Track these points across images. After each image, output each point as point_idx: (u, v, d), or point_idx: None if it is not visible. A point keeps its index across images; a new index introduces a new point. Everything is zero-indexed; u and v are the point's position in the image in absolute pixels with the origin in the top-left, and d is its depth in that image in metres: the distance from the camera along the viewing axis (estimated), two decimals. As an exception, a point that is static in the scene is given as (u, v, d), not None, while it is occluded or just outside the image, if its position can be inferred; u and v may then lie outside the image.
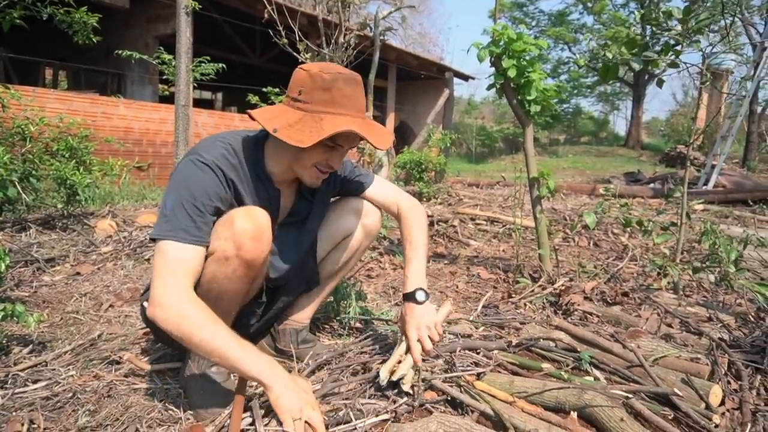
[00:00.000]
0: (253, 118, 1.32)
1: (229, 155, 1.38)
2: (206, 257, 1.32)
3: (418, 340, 1.44)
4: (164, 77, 4.94)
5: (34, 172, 3.66)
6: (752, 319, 2.20)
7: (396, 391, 1.43)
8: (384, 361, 1.49)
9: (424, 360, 1.47)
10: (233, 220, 1.29)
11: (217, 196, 1.32)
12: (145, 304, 1.37)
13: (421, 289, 1.52)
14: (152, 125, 8.30)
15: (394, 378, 1.39)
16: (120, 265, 2.97)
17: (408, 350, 1.46)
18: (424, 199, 6.47)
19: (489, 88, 2.87)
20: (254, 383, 1.58)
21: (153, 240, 1.27)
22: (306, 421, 1.18)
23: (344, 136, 1.35)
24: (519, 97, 2.80)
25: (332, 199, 1.77)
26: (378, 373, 1.41)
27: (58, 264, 2.93)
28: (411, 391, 1.40)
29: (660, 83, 2.65)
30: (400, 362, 1.44)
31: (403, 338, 1.50)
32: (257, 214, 1.32)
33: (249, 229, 1.28)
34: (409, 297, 1.51)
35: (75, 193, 3.87)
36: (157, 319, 1.20)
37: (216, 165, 1.33)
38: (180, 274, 1.22)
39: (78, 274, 2.79)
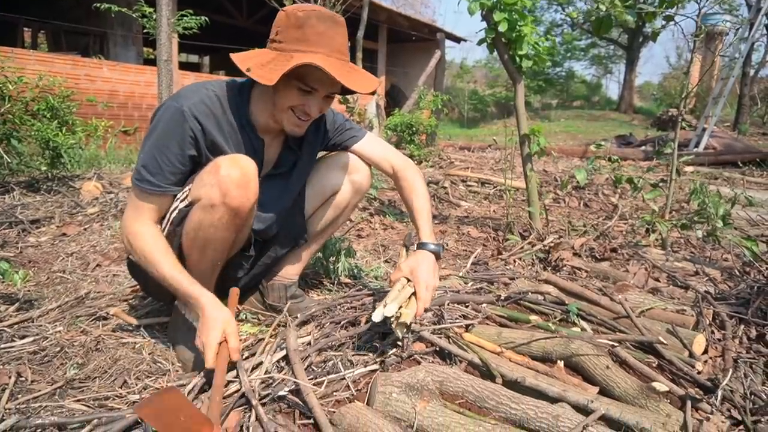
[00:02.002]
0: (232, 61, 1.30)
1: (210, 102, 1.34)
2: (192, 204, 1.31)
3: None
4: (145, 31, 4.77)
5: (15, 132, 3.57)
6: (738, 273, 2.22)
7: (385, 341, 1.44)
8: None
9: None
10: (219, 167, 1.27)
11: (187, 144, 1.31)
12: (132, 257, 1.37)
13: (441, 244, 1.53)
14: (137, 88, 8.09)
15: (407, 320, 1.33)
16: (106, 226, 2.93)
17: (413, 296, 1.41)
18: (415, 162, 6.43)
19: (480, 43, 2.81)
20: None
21: None
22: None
23: (317, 78, 1.29)
24: (510, 53, 2.74)
25: (321, 154, 1.73)
26: (382, 308, 1.33)
27: (44, 225, 2.89)
28: (402, 334, 1.38)
29: (654, 36, 2.60)
30: (401, 307, 1.38)
31: (406, 284, 1.44)
32: (243, 161, 1.29)
33: (235, 176, 1.26)
34: (429, 248, 1.49)
35: (59, 155, 3.79)
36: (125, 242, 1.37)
37: (191, 112, 1.30)
38: (141, 211, 1.35)
39: (64, 234, 2.75)
